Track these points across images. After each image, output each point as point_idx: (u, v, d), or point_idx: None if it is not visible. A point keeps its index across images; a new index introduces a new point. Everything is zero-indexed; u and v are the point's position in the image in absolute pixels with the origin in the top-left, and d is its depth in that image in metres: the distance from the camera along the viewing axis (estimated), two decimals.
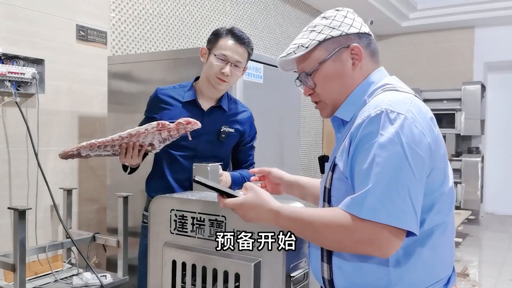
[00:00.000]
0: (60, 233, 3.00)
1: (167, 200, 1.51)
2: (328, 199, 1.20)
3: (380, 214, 0.99)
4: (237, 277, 1.33)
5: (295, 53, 1.27)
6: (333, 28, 1.24)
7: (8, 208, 2.24)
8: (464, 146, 7.66)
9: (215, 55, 2.02)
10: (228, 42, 2.01)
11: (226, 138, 2.11)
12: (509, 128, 7.93)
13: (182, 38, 4.09)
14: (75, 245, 2.58)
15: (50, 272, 2.64)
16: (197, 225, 1.43)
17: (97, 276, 2.54)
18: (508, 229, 6.87)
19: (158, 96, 2.11)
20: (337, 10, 1.29)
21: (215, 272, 1.37)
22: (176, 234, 1.47)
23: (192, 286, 1.42)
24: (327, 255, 1.21)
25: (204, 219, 1.42)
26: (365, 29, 1.28)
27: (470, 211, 6.62)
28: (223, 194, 1.24)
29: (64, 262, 2.83)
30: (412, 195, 1.02)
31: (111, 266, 3.02)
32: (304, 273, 1.37)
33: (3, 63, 2.60)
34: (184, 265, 1.43)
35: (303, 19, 6.23)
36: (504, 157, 7.95)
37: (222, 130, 2.09)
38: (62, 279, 2.60)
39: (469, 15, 7.38)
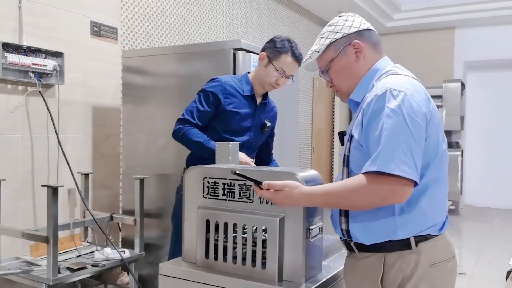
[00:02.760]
0: (76, 215, 3.21)
1: (200, 169, 1.76)
2: (347, 163, 1.47)
3: (391, 167, 1.26)
4: (264, 231, 1.59)
5: (311, 58, 1.59)
6: (337, 32, 1.54)
7: (42, 185, 2.47)
8: None
9: (275, 68, 2.31)
10: (288, 60, 2.32)
11: (267, 131, 2.43)
12: (487, 124, 8.34)
13: (183, 35, 4.33)
14: (97, 223, 2.81)
15: (71, 249, 2.85)
16: (228, 190, 1.68)
17: (117, 251, 2.77)
18: (487, 220, 7.27)
19: (224, 86, 2.35)
20: (340, 16, 1.59)
21: (244, 228, 1.62)
22: (209, 198, 1.72)
23: (224, 242, 1.67)
24: (345, 211, 1.48)
25: (234, 184, 1.67)
26: (364, 26, 1.56)
27: (450, 201, 6.99)
28: (259, 184, 1.49)
29: (83, 241, 3.05)
30: (413, 153, 1.29)
31: (125, 245, 3.23)
32: (319, 228, 1.63)
33: (27, 55, 2.81)
34: (217, 224, 1.68)
35: (294, 18, 6.52)
36: (483, 151, 8.36)
37: (266, 124, 2.41)
38: (84, 254, 2.82)
39: (449, 17, 7.75)
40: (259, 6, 5.68)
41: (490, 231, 6.51)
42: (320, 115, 7.32)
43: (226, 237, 1.67)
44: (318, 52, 1.55)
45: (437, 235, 1.42)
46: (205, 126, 2.39)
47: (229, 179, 1.68)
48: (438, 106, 7.63)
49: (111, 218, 3.04)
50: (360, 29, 1.54)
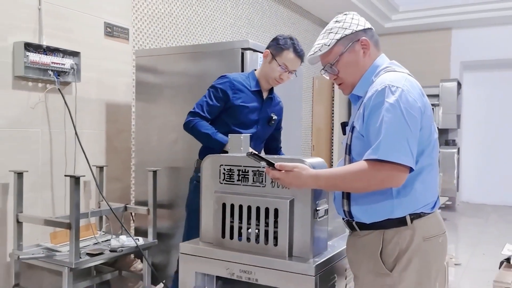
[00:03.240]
0: (91, 206, 3.38)
1: (216, 158, 1.94)
2: (348, 151, 1.65)
3: (390, 155, 1.43)
4: (276, 212, 1.76)
5: (321, 51, 1.72)
6: (346, 28, 1.70)
7: (65, 175, 2.64)
8: (442, 138, 8.21)
9: (278, 64, 2.48)
10: (290, 56, 2.49)
11: (273, 124, 2.60)
12: (483, 123, 8.53)
13: (189, 35, 4.50)
14: (113, 212, 2.98)
15: (89, 237, 3.03)
16: (242, 175, 1.86)
17: (132, 238, 2.94)
18: (483, 216, 7.45)
19: (233, 82, 2.52)
20: (345, 14, 1.75)
21: (258, 209, 1.80)
22: (225, 183, 1.90)
23: (239, 223, 1.85)
24: (346, 193, 1.66)
25: (248, 170, 1.85)
26: (368, 25, 1.74)
27: (447, 197, 7.18)
28: (271, 165, 1.65)
29: (98, 231, 3.22)
30: (410, 142, 1.47)
31: (138, 234, 3.40)
32: (325, 209, 1.81)
33: (46, 54, 2.98)
34: (232, 206, 1.86)
35: (294, 19, 6.70)
36: (479, 149, 8.55)
37: (272, 117, 2.58)
38: (101, 242, 2.99)
39: (446, 18, 7.94)
40: (261, 7, 5.86)
41: (486, 226, 6.70)
42: (320, 114, 7.49)
43: (240, 218, 1.85)
44: (328, 45, 1.69)
45: (429, 213, 1.60)
46: (215, 120, 2.57)
47: (243, 166, 1.86)
48: (435, 105, 7.82)
49: (125, 208, 3.22)
50: (365, 27, 1.71)
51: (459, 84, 7.95)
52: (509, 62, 8.04)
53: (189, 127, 2.52)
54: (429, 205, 1.59)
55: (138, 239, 3.01)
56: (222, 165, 1.92)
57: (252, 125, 2.55)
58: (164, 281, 3.07)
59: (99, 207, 3.30)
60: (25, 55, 2.84)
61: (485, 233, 6.19)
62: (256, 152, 1.65)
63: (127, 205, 3.22)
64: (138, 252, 3.04)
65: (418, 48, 8.41)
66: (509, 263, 4.02)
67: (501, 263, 4.16)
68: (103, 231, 3.25)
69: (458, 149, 8.02)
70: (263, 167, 1.69)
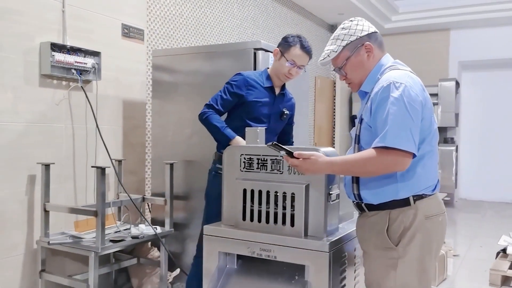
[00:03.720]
0: (110, 198, 3.57)
1: (237, 148, 2.14)
2: (358, 141, 1.85)
3: (396, 142, 1.63)
4: (292, 196, 1.96)
5: (329, 57, 1.94)
6: (351, 35, 1.90)
7: (92, 166, 2.84)
8: (440, 136, 8.34)
9: (286, 59, 2.65)
10: (298, 51, 2.66)
11: (285, 118, 2.78)
12: (481, 121, 8.74)
13: (199, 35, 4.69)
14: (133, 202, 3.18)
15: (110, 226, 3.21)
16: (261, 163, 2.06)
17: (151, 227, 3.14)
18: (480, 211, 7.67)
19: (246, 79, 2.71)
20: (351, 20, 1.95)
21: (276, 194, 2.00)
22: (245, 171, 2.10)
23: (258, 207, 2.04)
24: (356, 178, 1.85)
25: (266, 159, 2.05)
26: (372, 29, 1.93)
27: (445, 193, 7.38)
28: (290, 154, 1.84)
29: (118, 221, 3.41)
30: (412, 131, 1.67)
31: (154, 224, 3.59)
32: (337, 194, 2.01)
33: (70, 54, 3.17)
34: (252, 192, 2.05)
35: (297, 20, 6.91)
36: (476, 147, 8.76)
37: (284, 111, 2.76)
38: (122, 230, 3.19)
39: (445, 19, 8.14)
40: (266, 9, 6.06)
41: (483, 221, 6.91)
42: (321, 112, 7.69)
43: (260, 202, 2.05)
44: (336, 52, 1.91)
45: (430, 195, 1.80)
46: (232, 114, 2.76)
47: (262, 155, 2.06)
48: (434, 104, 8.01)
49: (143, 199, 3.41)
50: (369, 32, 1.91)
51: (457, 84, 8.14)
52: (506, 62, 8.25)
53: (202, 118, 2.72)
54: (430, 187, 1.79)
55: (156, 227, 3.20)
56: (243, 154, 2.11)
57: (265, 119, 2.74)
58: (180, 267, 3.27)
59: (118, 198, 3.49)
60: (51, 55, 3.03)
61: (483, 227, 6.40)
62: (277, 143, 1.84)
63: (145, 196, 3.41)
64: (156, 240, 3.24)
65: (417, 48, 8.60)
66: (505, 253, 4.23)
67: (498, 253, 4.37)
68: (122, 221, 3.44)
69: (457, 147, 8.22)
70: (282, 156, 1.89)
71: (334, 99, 8.15)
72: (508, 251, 4.12)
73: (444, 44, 8.58)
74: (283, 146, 1.83)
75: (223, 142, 2.63)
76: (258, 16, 5.87)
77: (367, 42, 1.88)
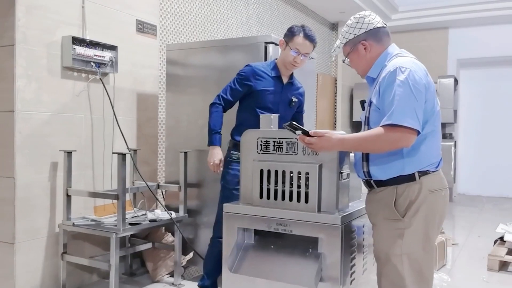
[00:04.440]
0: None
1: (255, 132, 2.31)
2: (367, 122, 2.01)
3: (402, 120, 1.80)
4: (306, 175, 2.13)
5: (335, 52, 2.17)
6: (350, 33, 2.10)
7: (113, 153, 3.00)
8: None
9: (291, 48, 2.81)
10: (301, 40, 2.81)
11: (294, 106, 2.94)
12: (479, 117, 8.92)
13: (207, 31, 4.86)
14: (149, 188, 3.35)
15: (126, 211, 3.38)
16: (277, 146, 2.23)
17: (167, 211, 3.31)
18: (478, 205, 7.84)
19: (254, 70, 2.88)
20: (355, 17, 2.12)
21: (291, 174, 2.17)
22: (262, 153, 2.26)
23: (275, 186, 2.21)
24: (366, 156, 2.02)
25: (282, 141, 2.21)
26: (371, 26, 2.09)
27: None
28: (305, 133, 2.00)
29: (134, 208, 3.58)
30: (417, 111, 1.83)
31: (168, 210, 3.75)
32: (347, 173, 2.18)
33: (89, 48, 3.33)
34: (269, 172, 2.22)
35: (300, 18, 7.07)
36: (475, 143, 8.94)
37: (292, 99, 2.92)
38: (140, 215, 3.35)
39: (444, 17, 8.32)
40: (270, 7, 6.23)
41: (481, 213, 7.09)
42: (323, 108, 7.86)
43: (276, 181, 2.21)
44: (339, 48, 2.15)
45: (434, 171, 1.97)
46: (243, 104, 2.94)
47: (278, 138, 2.23)
48: None
49: (158, 186, 3.58)
50: (367, 30, 2.09)
51: (455, 81, 8.31)
52: (504, 59, 8.43)
53: (209, 109, 2.94)
54: (433, 164, 1.97)
55: (171, 212, 3.36)
56: (259, 138, 2.28)
57: (273, 107, 2.89)
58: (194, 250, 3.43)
59: (133, 185, 3.65)
60: (72, 48, 3.19)
61: (480, 219, 6.57)
62: (293, 122, 1.99)
63: (160, 184, 3.58)
64: (170, 225, 3.41)
65: (417, 46, 8.74)
66: (503, 241, 4.40)
67: (495, 241, 4.55)
68: (138, 208, 3.61)
69: (455, 142, 8.40)
70: (298, 136, 2.04)
71: (336, 96, 8.33)
72: (505, 238, 4.29)
73: (443, 42, 8.75)
74: (299, 126, 1.99)
75: (208, 142, 2.90)
76: (263, 13, 6.04)
77: (363, 40, 2.07)
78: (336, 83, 8.31)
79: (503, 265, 4.15)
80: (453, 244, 4.97)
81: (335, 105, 8.32)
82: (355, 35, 2.07)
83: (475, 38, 8.46)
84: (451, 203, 7.91)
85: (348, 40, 2.10)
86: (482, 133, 8.89)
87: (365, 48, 2.07)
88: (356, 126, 8.67)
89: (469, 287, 3.60)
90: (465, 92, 8.99)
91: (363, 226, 2.31)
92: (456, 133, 8.75)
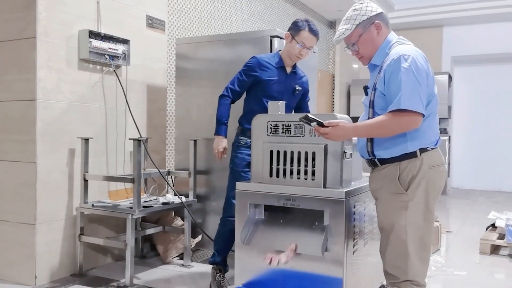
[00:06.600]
0: None
1: (265, 116, 2.51)
2: (372, 106, 2.20)
3: (409, 105, 1.99)
4: (313, 155, 2.33)
5: (344, 34, 2.27)
6: (363, 15, 2.26)
7: (129, 138, 3.20)
8: None
9: (297, 41, 3.01)
10: (306, 34, 3.00)
11: (298, 94, 3.14)
12: (473, 113, 9.16)
13: (211, 27, 5.06)
14: (161, 174, 3.54)
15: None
16: (286, 129, 2.43)
17: (178, 196, 3.50)
18: (472, 198, 8.08)
19: (259, 61, 3.07)
20: (361, 3, 2.30)
21: (299, 154, 2.37)
22: (271, 136, 2.47)
23: (283, 165, 2.41)
24: (370, 138, 2.21)
25: (290, 124, 2.42)
26: (379, 10, 2.29)
27: None
28: (320, 124, 2.18)
29: (145, 193, 3.77)
30: (421, 96, 2.03)
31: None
32: (351, 153, 2.38)
33: (104, 41, 3.53)
34: (278, 152, 2.42)
35: (299, 16, 7.25)
36: (468, 138, 9.19)
37: (296, 88, 3.12)
38: (153, 199, 3.55)
39: (438, 15, 8.56)
40: (271, 5, 6.44)
41: (474, 205, 7.32)
42: (321, 104, 8.08)
43: (285, 161, 2.42)
44: (350, 30, 2.25)
45: (433, 148, 2.18)
46: (249, 93, 3.13)
47: (287, 121, 2.43)
48: None
49: (168, 172, 3.77)
50: (377, 12, 2.28)
51: (450, 77, 8.54)
52: (497, 57, 8.69)
53: (218, 101, 3.13)
54: (433, 142, 2.18)
55: (182, 197, 3.56)
56: (269, 121, 2.49)
57: (278, 95, 3.08)
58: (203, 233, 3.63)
59: (144, 169, 3.85)
60: (88, 41, 3.38)
61: (473, 210, 6.80)
62: (308, 114, 2.16)
63: (170, 170, 3.77)
64: (181, 209, 3.60)
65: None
66: (494, 227, 4.63)
67: (487, 228, 4.77)
68: (149, 193, 3.80)
69: (449, 137, 8.63)
70: (313, 127, 2.15)
71: (333, 93, 8.54)
72: (497, 224, 4.51)
73: (437, 40, 8.98)
74: (314, 118, 2.15)
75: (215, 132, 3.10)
76: (264, 11, 6.24)
77: (377, 21, 2.24)
78: (334, 80, 8.53)
79: (495, 249, 4.37)
80: (447, 231, 5.19)
81: (333, 102, 8.53)
82: (369, 16, 2.20)
83: (468, 36, 8.70)
84: (446, 197, 8.14)
85: (360, 22, 2.20)
86: (476, 128, 9.13)
87: (377, 29, 2.21)
88: (354, 122, 8.86)
89: (463, 268, 3.81)
90: (459, 89, 9.22)
91: (365, 202, 2.52)
92: (450, 129, 8.98)
